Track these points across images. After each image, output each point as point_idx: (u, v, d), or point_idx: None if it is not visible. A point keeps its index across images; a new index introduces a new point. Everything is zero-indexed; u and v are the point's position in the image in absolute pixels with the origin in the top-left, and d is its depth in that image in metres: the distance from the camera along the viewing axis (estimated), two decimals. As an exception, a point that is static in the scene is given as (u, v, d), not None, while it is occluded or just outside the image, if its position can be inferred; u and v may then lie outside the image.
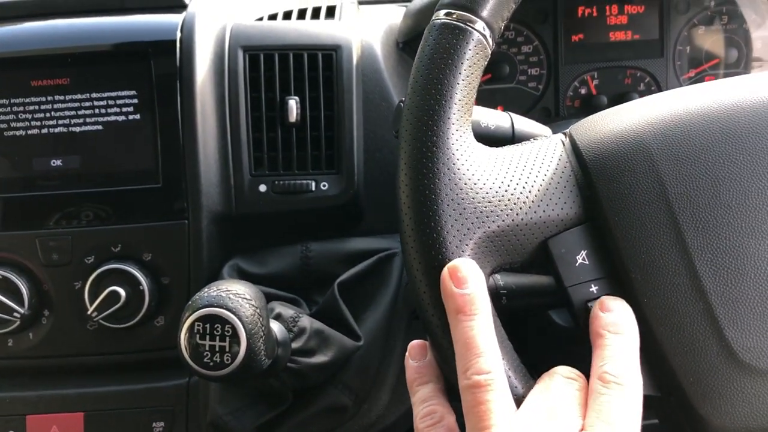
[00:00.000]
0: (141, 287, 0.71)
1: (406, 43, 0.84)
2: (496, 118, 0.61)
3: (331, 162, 0.75)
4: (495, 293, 0.58)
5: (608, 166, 0.47)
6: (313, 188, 0.75)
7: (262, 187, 0.75)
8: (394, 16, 0.87)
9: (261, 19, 0.79)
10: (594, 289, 0.47)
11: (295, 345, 0.64)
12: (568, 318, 0.68)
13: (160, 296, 0.73)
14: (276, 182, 0.75)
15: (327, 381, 0.70)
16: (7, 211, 0.73)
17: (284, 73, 0.75)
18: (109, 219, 0.73)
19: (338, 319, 0.70)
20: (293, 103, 0.74)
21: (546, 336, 0.72)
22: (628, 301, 0.46)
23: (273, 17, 0.79)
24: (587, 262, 0.47)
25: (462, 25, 0.47)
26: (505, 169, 0.48)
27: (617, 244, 0.46)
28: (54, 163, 0.73)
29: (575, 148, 0.49)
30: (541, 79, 0.94)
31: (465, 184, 0.46)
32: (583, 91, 0.94)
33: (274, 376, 0.63)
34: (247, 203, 0.75)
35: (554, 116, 0.94)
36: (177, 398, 0.73)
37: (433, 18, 0.49)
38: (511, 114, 0.61)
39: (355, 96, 0.75)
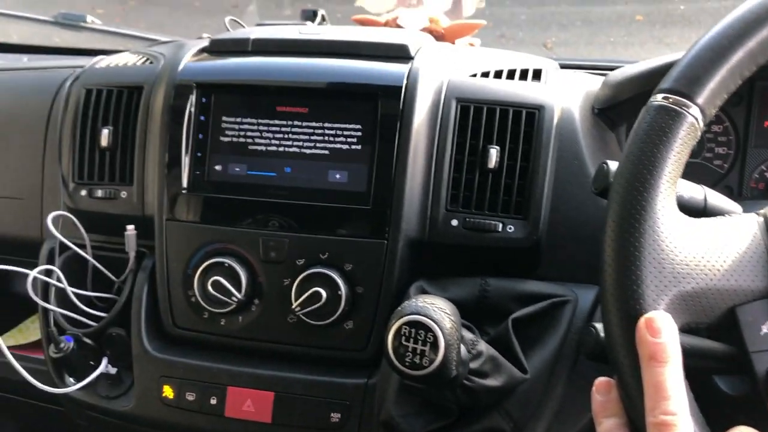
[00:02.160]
0: (339, 292, 0.82)
1: (602, 110, 0.91)
2: (691, 190, 0.67)
3: (520, 208, 0.83)
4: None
5: None
6: (500, 229, 0.83)
7: (454, 222, 0.84)
8: (592, 84, 0.94)
9: (474, 75, 0.89)
10: (777, 358, 0.51)
11: (472, 365, 0.71)
12: (733, 386, 0.71)
13: (354, 303, 0.84)
14: (467, 219, 0.83)
15: (491, 405, 0.77)
16: (241, 211, 0.87)
17: (489, 124, 0.84)
18: (321, 229, 0.85)
19: (508, 351, 0.77)
20: (494, 152, 0.83)
21: (703, 401, 0.74)
22: None
23: (485, 75, 0.89)
24: (773, 333, 0.51)
25: (678, 108, 0.54)
26: (702, 237, 0.53)
27: None
28: (285, 177, 0.87)
29: None
30: (727, 159, 0.97)
31: (666, 246, 0.52)
32: (769, 175, 0.96)
33: (451, 390, 0.71)
34: (439, 233, 0.84)
35: (736, 195, 0.96)
36: (355, 395, 0.82)
37: (651, 100, 0.56)
38: (705, 188, 0.66)
39: (551, 152, 0.83)
